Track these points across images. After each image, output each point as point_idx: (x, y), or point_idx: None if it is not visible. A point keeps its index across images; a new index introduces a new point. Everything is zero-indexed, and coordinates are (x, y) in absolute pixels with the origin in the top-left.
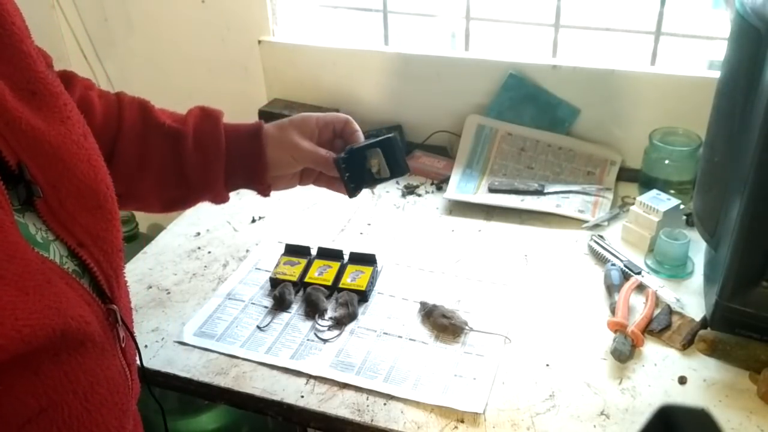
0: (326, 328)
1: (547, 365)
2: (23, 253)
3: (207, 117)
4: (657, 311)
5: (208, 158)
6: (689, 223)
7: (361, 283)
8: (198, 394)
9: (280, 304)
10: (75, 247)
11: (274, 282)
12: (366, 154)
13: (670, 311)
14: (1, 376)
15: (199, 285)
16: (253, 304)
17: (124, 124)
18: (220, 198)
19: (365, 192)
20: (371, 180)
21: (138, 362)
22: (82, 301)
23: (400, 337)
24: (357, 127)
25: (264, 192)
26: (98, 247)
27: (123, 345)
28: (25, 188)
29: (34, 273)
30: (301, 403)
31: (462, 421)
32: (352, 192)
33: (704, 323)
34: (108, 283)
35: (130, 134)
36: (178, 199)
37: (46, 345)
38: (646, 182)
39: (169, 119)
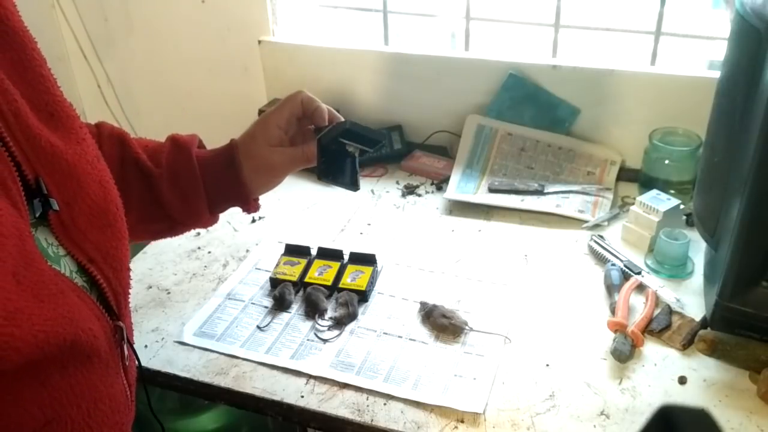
0: (326, 328)
1: (547, 365)
2: (39, 263)
3: (179, 152)
4: (657, 311)
5: (188, 198)
6: (689, 223)
7: (361, 283)
8: (198, 394)
9: (280, 304)
10: (85, 263)
11: (274, 282)
12: (340, 144)
13: (670, 311)
14: (10, 385)
15: (199, 285)
16: (253, 304)
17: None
18: (209, 224)
19: (365, 191)
20: (356, 163)
21: (139, 371)
22: (92, 315)
23: (400, 337)
24: (316, 102)
25: (253, 210)
26: (108, 264)
27: (126, 363)
28: (40, 203)
29: (48, 283)
30: (301, 403)
31: (462, 421)
32: (353, 187)
33: (704, 323)
34: (116, 300)
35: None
36: (165, 231)
37: (56, 354)
38: (646, 182)
39: (145, 154)
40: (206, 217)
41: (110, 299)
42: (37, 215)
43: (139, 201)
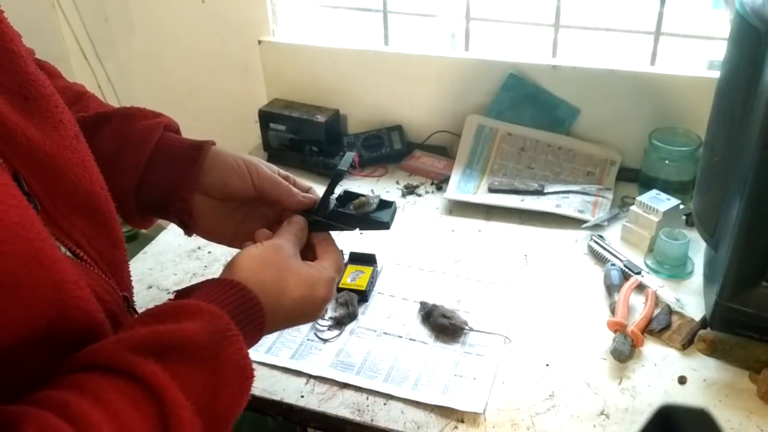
0: (326, 328)
1: (547, 365)
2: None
3: (152, 114)
4: (657, 311)
5: (125, 148)
6: (689, 223)
7: (361, 283)
8: None
9: None
10: (73, 248)
11: None
12: (357, 195)
13: (670, 311)
14: (16, 364)
15: None
16: None
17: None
18: (132, 216)
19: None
20: (341, 216)
21: None
22: (88, 296)
23: (400, 337)
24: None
25: (183, 216)
26: (92, 247)
27: None
28: None
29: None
30: (301, 403)
31: (462, 421)
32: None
33: (704, 323)
34: (115, 275)
35: None
36: None
37: (58, 344)
38: (646, 182)
39: (104, 108)
40: (129, 188)
41: (105, 277)
42: None
43: None
